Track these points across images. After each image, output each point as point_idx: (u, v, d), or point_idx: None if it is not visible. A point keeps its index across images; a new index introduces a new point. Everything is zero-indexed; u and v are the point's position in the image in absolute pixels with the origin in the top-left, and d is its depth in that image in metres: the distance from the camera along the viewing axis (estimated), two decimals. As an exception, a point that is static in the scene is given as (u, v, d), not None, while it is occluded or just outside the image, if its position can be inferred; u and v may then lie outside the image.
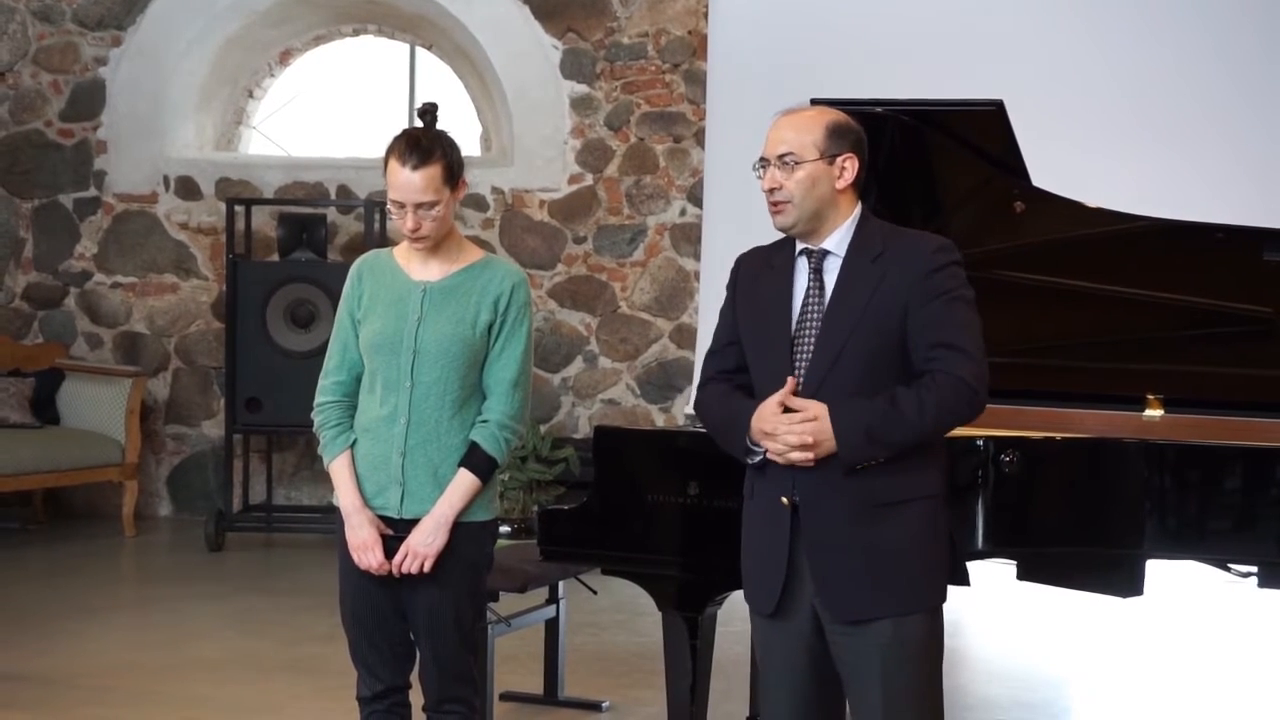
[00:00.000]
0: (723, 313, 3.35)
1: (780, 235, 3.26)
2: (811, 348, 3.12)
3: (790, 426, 3.06)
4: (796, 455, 3.07)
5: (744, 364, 3.26)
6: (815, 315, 3.15)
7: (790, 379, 3.11)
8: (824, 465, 3.10)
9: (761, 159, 3.17)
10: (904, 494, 3.12)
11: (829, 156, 3.14)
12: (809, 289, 3.17)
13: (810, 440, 3.05)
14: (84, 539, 8.38)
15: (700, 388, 3.38)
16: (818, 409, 3.05)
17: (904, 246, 3.16)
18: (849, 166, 3.16)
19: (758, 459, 3.17)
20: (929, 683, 3.18)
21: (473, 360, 3.52)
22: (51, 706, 5.22)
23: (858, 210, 3.20)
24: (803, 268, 3.19)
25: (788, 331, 3.15)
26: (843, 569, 3.12)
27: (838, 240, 3.17)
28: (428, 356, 3.49)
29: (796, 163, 3.12)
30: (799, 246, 3.21)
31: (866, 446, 3.05)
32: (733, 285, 3.33)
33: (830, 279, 3.16)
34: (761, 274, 3.26)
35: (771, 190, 3.14)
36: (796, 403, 3.08)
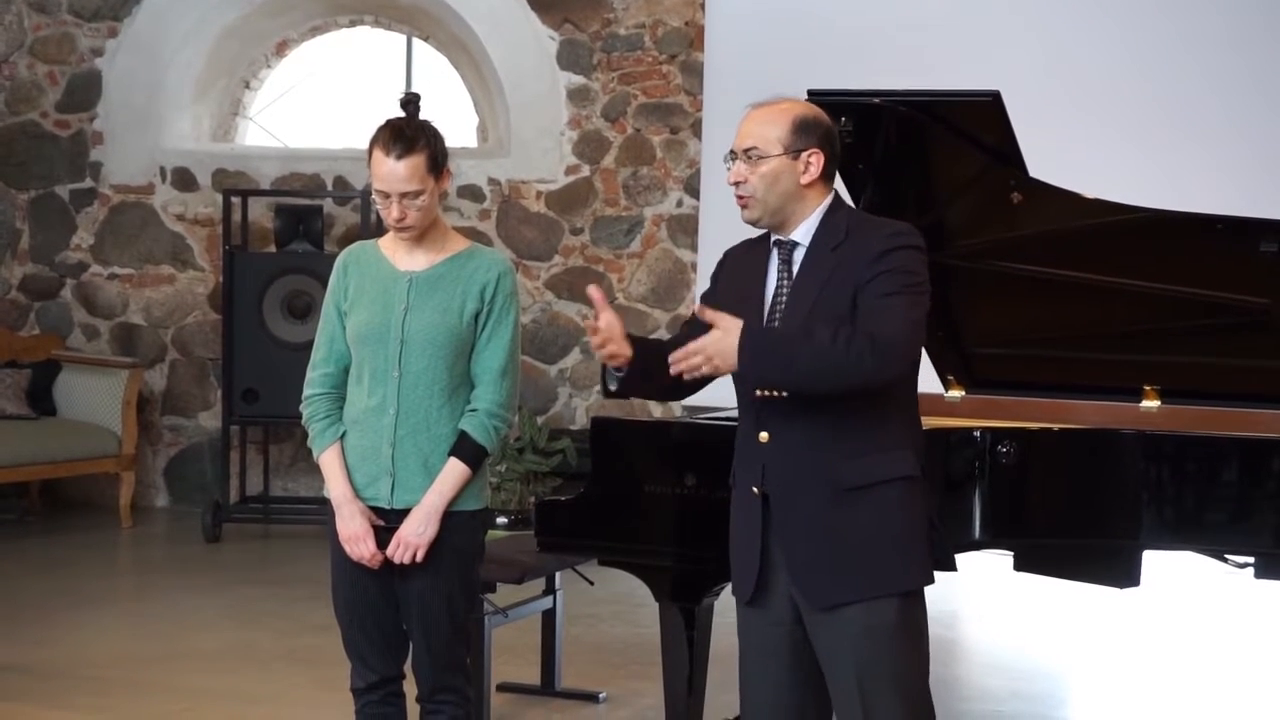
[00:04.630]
0: (703, 298, 3.39)
1: (735, 230, 3.30)
2: None
3: (686, 358, 3.01)
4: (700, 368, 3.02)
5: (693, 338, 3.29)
6: (783, 304, 3.17)
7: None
8: (792, 452, 3.12)
9: (730, 151, 3.20)
10: (873, 477, 3.12)
11: (793, 152, 3.14)
12: (779, 280, 3.21)
13: (706, 372, 3.00)
14: (80, 530, 8.38)
15: None
16: (720, 331, 2.98)
17: (864, 233, 3.16)
18: (814, 161, 3.16)
19: (613, 385, 3.23)
20: (908, 666, 3.17)
21: (460, 349, 3.51)
22: (48, 697, 5.22)
23: (828, 200, 3.21)
24: (774, 259, 3.23)
25: (759, 321, 3.18)
26: (812, 556, 3.14)
27: (805, 231, 3.20)
28: (415, 346, 3.49)
29: (760, 157, 3.14)
30: (772, 238, 3.24)
31: (769, 369, 3.00)
32: (716, 277, 3.38)
33: (797, 269, 3.19)
34: (741, 267, 3.31)
35: (736, 184, 3.17)
36: (710, 316, 3.02)
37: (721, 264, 3.37)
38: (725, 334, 2.97)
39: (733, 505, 3.31)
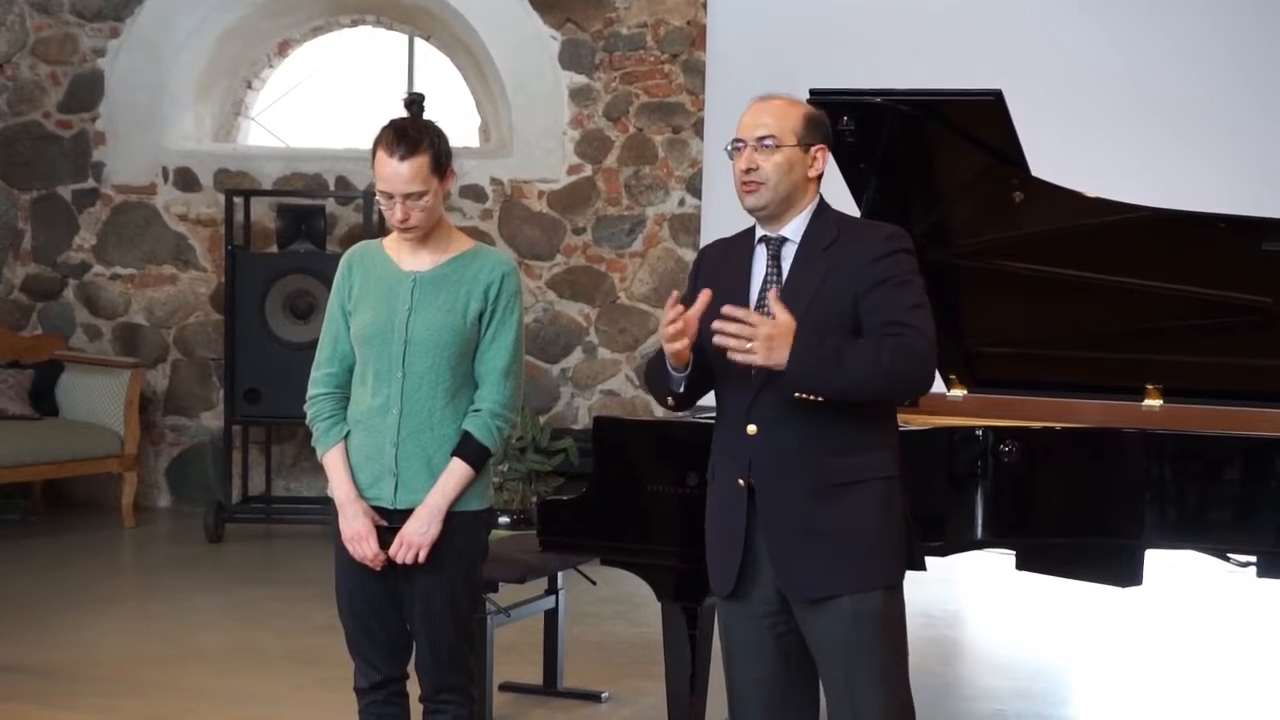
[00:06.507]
0: (683, 301, 3.38)
1: (738, 229, 3.33)
2: None
3: (745, 320, 3.01)
4: (747, 348, 3.02)
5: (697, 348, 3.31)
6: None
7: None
8: (779, 445, 3.15)
9: (737, 140, 3.21)
10: (858, 475, 3.16)
11: (805, 145, 3.20)
12: (767, 275, 3.23)
13: (755, 347, 2.99)
14: (83, 530, 8.38)
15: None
16: (786, 320, 3.00)
17: (856, 235, 3.22)
18: (820, 157, 3.24)
19: (679, 387, 3.21)
20: (893, 658, 3.22)
21: (464, 349, 3.52)
22: (51, 697, 5.22)
23: (817, 199, 3.27)
24: (761, 255, 3.26)
25: None
26: (799, 549, 3.17)
27: (795, 228, 3.23)
28: (419, 346, 3.49)
29: (776, 146, 3.18)
30: (758, 234, 3.27)
31: (814, 377, 3.02)
32: (694, 275, 3.39)
33: (786, 265, 3.22)
34: (722, 263, 3.33)
35: (748, 170, 3.19)
36: (776, 306, 3.04)
37: (698, 262, 3.41)
38: (785, 327, 2.98)
39: (711, 499, 3.33)
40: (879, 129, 4.23)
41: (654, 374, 3.31)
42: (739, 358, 3.04)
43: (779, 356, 3.01)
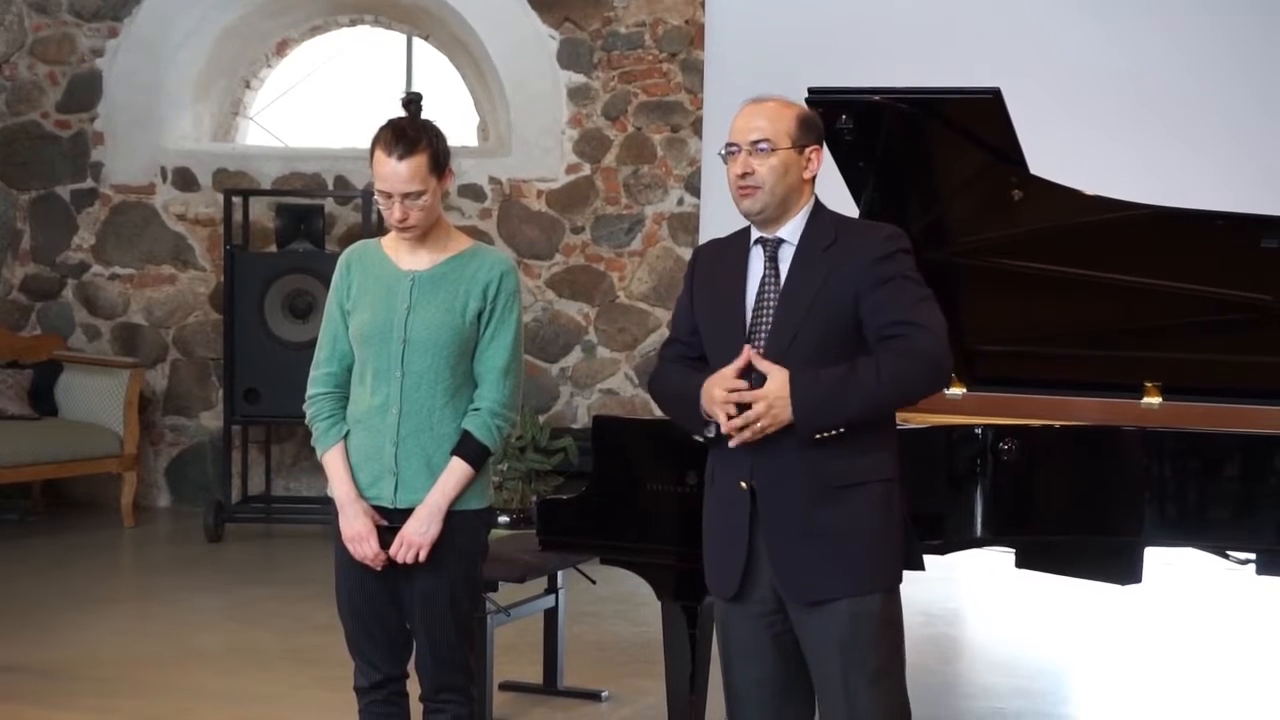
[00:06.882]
0: (680, 303, 3.42)
1: (737, 228, 3.33)
2: (766, 334, 3.18)
3: (744, 416, 3.10)
4: (748, 435, 3.12)
5: (704, 354, 3.32)
6: (770, 302, 3.20)
7: (748, 347, 3.15)
8: (780, 448, 3.14)
9: (730, 144, 3.22)
10: (859, 477, 3.17)
11: (799, 146, 3.21)
12: (764, 277, 3.23)
13: (765, 425, 3.09)
14: (83, 530, 8.38)
15: (657, 366, 3.44)
16: (778, 381, 3.07)
17: (854, 236, 3.23)
18: (814, 158, 3.25)
19: (712, 432, 3.22)
20: (890, 662, 3.22)
21: (463, 348, 3.52)
22: (50, 697, 5.22)
23: (813, 200, 3.27)
24: (758, 256, 3.26)
25: (743, 319, 3.22)
26: (800, 551, 3.17)
27: (792, 229, 3.24)
28: (418, 345, 3.49)
29: (771, 149, 3.18)
30: (754, 235, 3.27)
31: (824, 417, 3.08)
32: (690, 276, 3.40)
33: (784, 267, 3.22)
34: (717, 264, 3.33)
35: (743, 175, 3.20)
36: (763, 365, 3.10)
37: (693, 262, 3.41)
38: (779, 388, 3.06)
39: (710, 502, 3.33)
40: (878, 127, 4.23)
41: (686, 416, 3.29)
42: (755, 436, 3.10)
43: (785, 415, 3.07)
